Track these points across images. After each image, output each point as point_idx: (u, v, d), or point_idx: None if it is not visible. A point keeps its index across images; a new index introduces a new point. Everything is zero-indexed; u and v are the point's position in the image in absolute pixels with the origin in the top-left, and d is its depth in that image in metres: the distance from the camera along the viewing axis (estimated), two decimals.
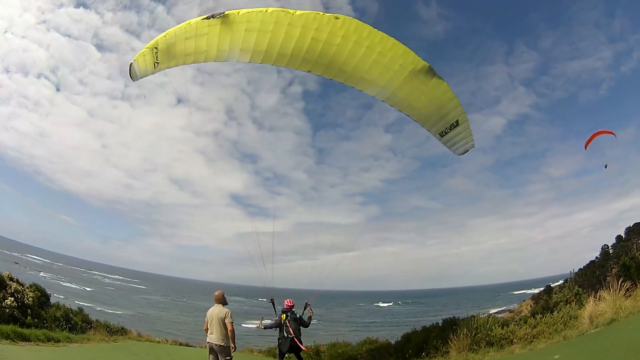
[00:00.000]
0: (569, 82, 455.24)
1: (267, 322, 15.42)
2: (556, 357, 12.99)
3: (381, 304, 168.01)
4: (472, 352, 17.10)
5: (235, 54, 13.62)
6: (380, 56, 13.19)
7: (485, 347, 17.30)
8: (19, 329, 16.80)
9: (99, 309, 70.75)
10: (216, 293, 13.17)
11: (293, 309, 15.24)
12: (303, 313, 15.56)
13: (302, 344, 14.68)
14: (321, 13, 12.46)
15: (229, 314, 12.55)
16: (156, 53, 13.51)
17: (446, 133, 14.81)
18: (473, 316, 19.89)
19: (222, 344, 12.29)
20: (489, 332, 17.92)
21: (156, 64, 13.75)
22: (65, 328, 22.79)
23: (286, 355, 15.25)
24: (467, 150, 15.65)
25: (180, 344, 27.95)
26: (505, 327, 18.32)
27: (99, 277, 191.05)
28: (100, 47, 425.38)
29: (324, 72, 14.00)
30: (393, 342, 21.36)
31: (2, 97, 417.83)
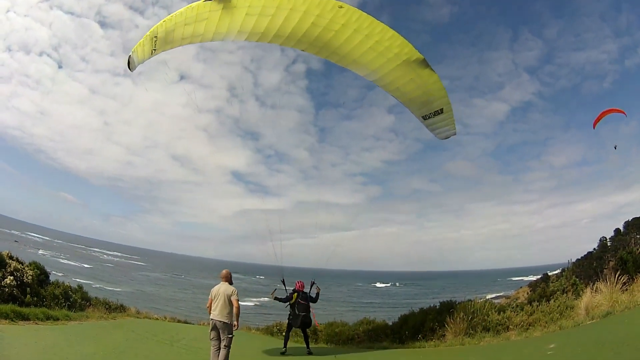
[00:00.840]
0: (573, 72, 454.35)
1: (280, 295, 16.80)
2: (551, 346, 13.17)
3: (379, 285, 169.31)
4: (469, 337, 17.32)
5: (232, 36, 14.04)
6: (377, 44, 13.78)
7: (481, 332, 17.53)
8: (18, 309, 17.08)
9: (98, 286, 71.29)
10: (223, 272, 13.60)
11: (303, 290, 16.80)
12: (310, 290, 16.95)
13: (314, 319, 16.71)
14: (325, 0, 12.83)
15: (236, 292, 12.99)
16: (155, 41, 13.93)
17: (429, 117, 15.66)
18: (470, 300, 20.04)
19: (226, 321, 12.58)
20: (486, 317, 18.11)
21: (153, 51, 14.20)
22: (65, 306, 23.18)
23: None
24: (449, 137, 16.60)
25: (179, 321, 28.18)
26: (502, 313, 18.51)
27: (99, 254, 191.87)
28: (103, 24, 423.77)
29: (318, 53, 14.53)
30: (390, 323, 21.55)
31: (3, 76, 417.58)
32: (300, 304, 16.55)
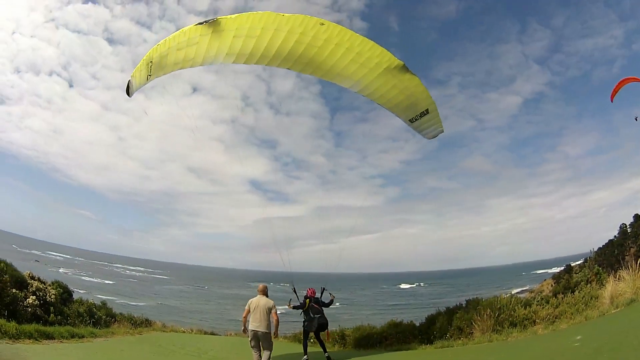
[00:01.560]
0: (582, 60, 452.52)
1: (295, 304, 17.33)
2: (578, 337, 13.11)
3: (404, 286, 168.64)
4: (496, 333, 17.20)
5: (221, 58, 14.84)
6: (358, 56, 14.56)
7: (508, 327, 17.45)
8: (42, 328, 16.97)
9: (122, 301, 71.66)
10: (260, 286, 14.80)
11: (315, 296, 17.34)
12: (321, 296, 17.53)
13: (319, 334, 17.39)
14: (308, 17, 13.64)
15: (274, 305, 14.20)
16: (150, 66, 14.66)
17: (416, 120, 16.38)
18: (496, 296, 20.05)
19: (267, 331, 13.77)
20: (512, 313, 18.04)
21: (149, 77, 14.94)
22: (89, 323, 23.18)
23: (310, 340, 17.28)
24: (436, 135, 17.28)
25: (205, 333, 28.18)
26: (527, 307, 18.41)
27: (121, 270, 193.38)
28: (111, 41, 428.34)
29: (303, 70, 15.30)
30: (417, 324, 21.38)
31: (13, 97, 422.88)
32: (314, 307, 17.08)
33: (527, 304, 18.83)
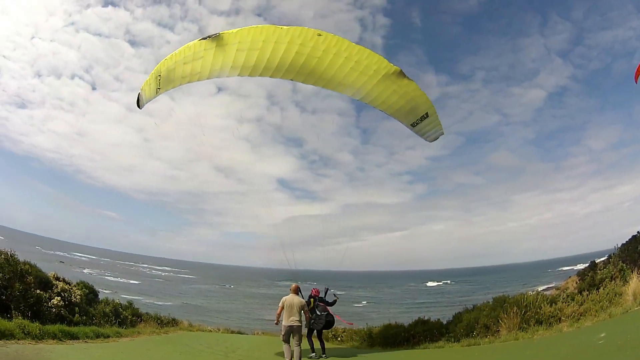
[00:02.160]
0: (603, 52, 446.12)
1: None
2: (602, 335, 13.18)
3: (430, 284, 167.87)
4: (522, 331, 17.23)
5: (226, 72, 15.61)
6: (357, 64, 15.27)
7: (534, 325, 17.51)
8: (67, 328, 16.93)
9: (148, 301, 72.13)
10: (293, 285, 16.44)
11: (319, 295, 18.45)
12: (325, 295, 18.68)
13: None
14: (306, 29, 14.42)
15: (306, 304, 16.30)
16: (159, 80, 15.63)
17: (417, 124, 17.09)
18: (522, 294, 20.23)
19: (300, 325, 15.46)
20: (538, 310, 18.12)
21: (158, 90, 15.89)
22: (115, 323, 23.29)
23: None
24: (437, 138, 17.98)
25: (232, 332, 28.12)
26: (553, 304, 18.46)
27: (147, 270, 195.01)
28: (133, 43, 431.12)
29: (305, 80, 16.13)
30: (444, 321, 21.53)
31: (35, 101, 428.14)
32: (319, 306, 18.12)
33: (552, 301, 18.97)
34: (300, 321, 15.46)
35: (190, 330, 27.11)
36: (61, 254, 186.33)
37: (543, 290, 38.57)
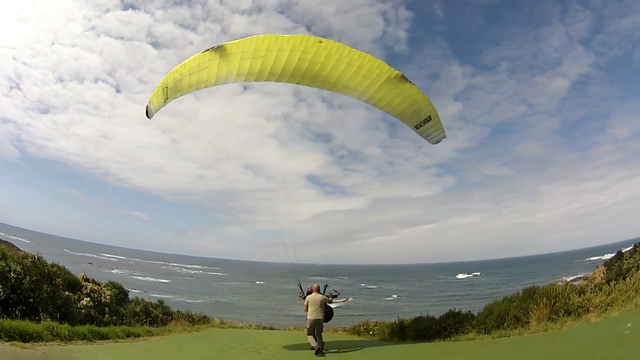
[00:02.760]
0: (623, 39, 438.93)
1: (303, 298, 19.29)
2: (629, 325, 13.16)
3: (460, 276, 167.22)
4: (552, 322, 17.21)
5: (232, 78, 16.33)
6: (359, 69, 15.80)
7: (563, 316, 17.48)
8: (96, 328, 16.96)
9: (179, 299, 72.70)
10: (315, 285, 18.63)
11: (319, 291, 18.78)
12: (324, 292, 19.04)
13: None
14: (307, 37, 15.05)
15: (325, 298, 18.22)
16: (166, 91, 16.44)
17: (421, 126, 17.70)
18: (552, 284, 20.12)
19: (321, 318, 17.69)
20: (567, 301, 18.10)
21: (166, 99, 16.71)
22: (146, 322, 23.61)
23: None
24: (440, 140, 18.62)
25: (264, 328, 28.14)
26: (581, 295, 18.48)
27: (177, 269, 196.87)
28: (156, 45, 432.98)
29: (310, 83, 16.60)
30: (475, 314, 21.60)
31: (58, 106, 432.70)
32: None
33: (581, 291, 19.04)
34: (322, 316, 17.66)
35: (222, 328, 27.16)
36: (90, 255, 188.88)
37: (572, 280, 38.60)
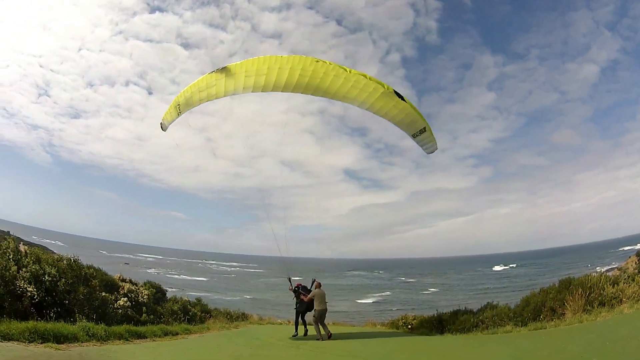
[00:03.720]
0: None
1: (292, 288, 21.73)
2: None
3: (497, 268, 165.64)
4: (586, 313, 17.32)
5: (239, 92, 18.07)
6: (356, 83, 17.45)
7: (597, 307, 17.56)
8: (133, 328, 17.04)
9: (217, 297, 73.05)
10: (316, 282, 20.70)
11: (302, 285, 21.87)
12: (311, 286, 21.28)
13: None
14: (304, 57, 16.76)
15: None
16: (178, 107, 18.68)
17: (417, 135, 19.08)
18: (587, 275, 20.33)
19: (327, 308, 20.08)
20: (601, 292, 18.22)
21: (179, 114, 19.08)
22: (184, 320, 23.84)
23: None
24: (433, 152, 20.05)
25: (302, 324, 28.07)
26: (615, 285, 18.51)
27: (214, 267, 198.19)
28: (186, 46, 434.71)
29: (314, 93, 18.21)
30: (512, 306, 21.68)
31: (90, 110, 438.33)
32: (301, 294, 21.17)
33: (614, 282, 19.05)
34: (326, 306, 20.06)
35: (261, 324, 27.29)
36: (126, 256, 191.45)
37: (606, 271, 38.20)
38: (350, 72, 17.15)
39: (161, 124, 19.92)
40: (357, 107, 18.84)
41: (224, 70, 17.00)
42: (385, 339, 20.14)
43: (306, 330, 21.09)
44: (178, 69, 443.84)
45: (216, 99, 18.47)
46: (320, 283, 20.57)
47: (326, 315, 20.16)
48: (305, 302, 20.68)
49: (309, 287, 21.52)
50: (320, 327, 19.67)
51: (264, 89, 17.83)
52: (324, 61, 16.90)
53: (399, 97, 17.88)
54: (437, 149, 19.89)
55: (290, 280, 21.94)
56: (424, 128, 18.67)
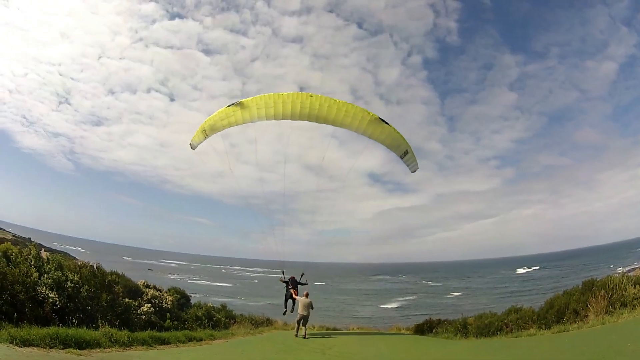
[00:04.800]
0: None
1: (284, 279, 25.78)
2: None
3: (520, 271, 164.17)
4: (608, 315, 17.49)
5: (254, 120, 21.63)
6: (348, 112, 20.69)
7: (619, 308, 17.78)
8: (157, 334, 16.97)
9: (241, 303, 73.19)
10: (305, 292, 23.02)
11: (293, 278, 25.85)
12: (300, 279, 25.72)
13: (296, 294, 24.90)
14: (300, 93, 20.77)
15: (311, 302, 22.67)
16: (205, 131, 22.44)
17: (403, 157, 22.07)
18: (609, 276, 20.67)
19: (308, 315, 22.14)
20: (623, 293, 18.42)
21: (205, 136, 22.63)
22: (208, 326, 23.82)
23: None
24: (415, 171, 23.27)
25: (327, 329, 28.14)
26: (637, 285, 18.65)
27: (238, 272, 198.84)
28: (207, 52, 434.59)
29: (315, 121, 21.19)
30: (536, 308, 21.91)
31: (111, 117, 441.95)
32: (290, 285, 25.49)
33: (636, 282, 19.13)
34: (309, 313, 22.15)
35: (285, 330, 27.23)
36: (150, 262, 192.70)
37: (627, 271, 38.10)
38: (338, 102, 20.57)
39: (190, 144, 23.46)
40: (354, 132, 21.68)
41: (239, 104, 20.97)
42: (410, 343, 20.35)
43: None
44: (200, 75, 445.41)
45: (236, 125, 22.12)
46: (308, 293, 22.98)
47: (308, 320, 22.63)
48: (290, 292, 25.21)
49: (297, 280, 25.75)
50: (300, 327, 22.14)
51: (275, 118, 21.20)
52: (316, 95, 20.48)
53: (384, 122, 20.93)
54: (418, 168, 23.15)
55: (283, 273, 25.73)
56: (407, 150, 21.74)
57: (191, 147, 23.77)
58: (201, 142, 23.27)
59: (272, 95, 20.60)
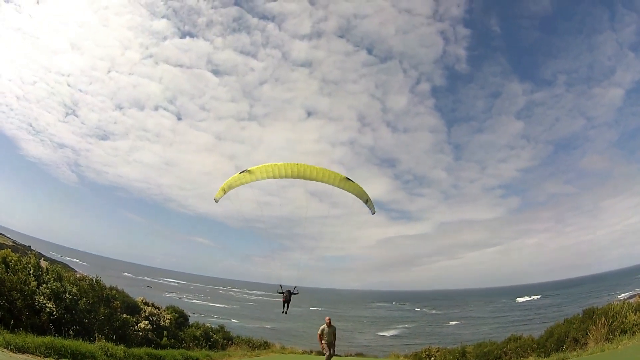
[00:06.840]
0: None
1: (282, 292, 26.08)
2: None
3: (520, 300, 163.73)
4: (608, 342, 17.73)
5: (261, 179, 24.63)
6: (324, 173, 24.07)
7: (619, 335, 18.06)
8: (153, 351, 17.01)
9: (239, 324, 72.87)
10: (327, 319, 23.11)
11: (288, 291, 26.12)
12: (293, 290, 26.11)
13: (288, 303, 25.92)
14: (289, 163, 24.01)
15: (335, 329, 22.95)
16: (224, 189, 25.25)
17: (366, 203, 25.56)
18: (610, 304, 20.99)
19: (333, 341, 22.57)
20: (624, 320, 18.65)
21: (224, 193, 25.45)
22: (205, 346, 24.06)
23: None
24: (374, 213, 26.83)
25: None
26: (637, 312, 18.88)
27: (238, 294, 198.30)
28: (217, 73, 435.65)
29: (302, 178, 24.51)
30: (536, 337, 22.16)
31: (118, 132, 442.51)
32: (284, 293, 25.87)
33: (637, 309, 19.43)
34: (333, 341, 22.95)
35: (283, 353, 27.32)
36: (149, 279, 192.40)
37: (628, 297, 38.08)
38: (317, 167, 24.16)
39: (214, 199, 26.45)
40: (333, 186, 24.91)
41: (248, 172, 24.20)
42: None
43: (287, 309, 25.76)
44: (208, 95, 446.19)
45: (246, 184, 25.30)
46: (329, 318, 23.76)
47: (335, 343, 23.33)
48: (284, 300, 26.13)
49: (291, 291, 26.37)
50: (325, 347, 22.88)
51: (274, 178, 24.65)
52: (299, 164, 24.07)
53: (350, 180, 24.64)
54: (375, 212, 26.79)
55: (281, 287, 26.24)
56: (367, 199, 25.44)
57: (215, 201, 26.90)
58: (222, 197, 26.54)
59: (271, 165, 24.36)
